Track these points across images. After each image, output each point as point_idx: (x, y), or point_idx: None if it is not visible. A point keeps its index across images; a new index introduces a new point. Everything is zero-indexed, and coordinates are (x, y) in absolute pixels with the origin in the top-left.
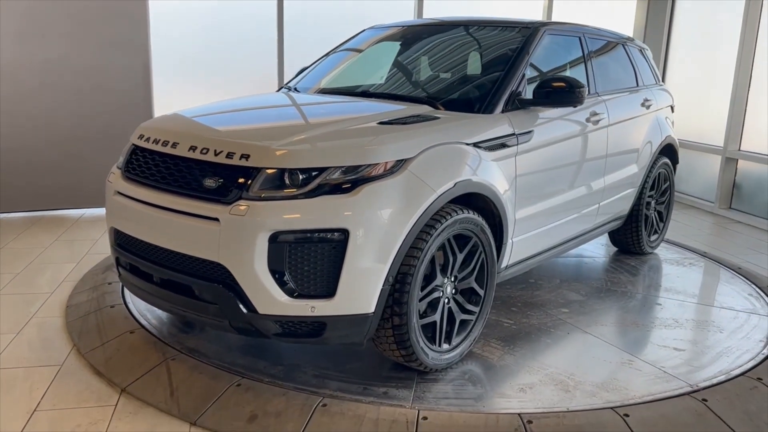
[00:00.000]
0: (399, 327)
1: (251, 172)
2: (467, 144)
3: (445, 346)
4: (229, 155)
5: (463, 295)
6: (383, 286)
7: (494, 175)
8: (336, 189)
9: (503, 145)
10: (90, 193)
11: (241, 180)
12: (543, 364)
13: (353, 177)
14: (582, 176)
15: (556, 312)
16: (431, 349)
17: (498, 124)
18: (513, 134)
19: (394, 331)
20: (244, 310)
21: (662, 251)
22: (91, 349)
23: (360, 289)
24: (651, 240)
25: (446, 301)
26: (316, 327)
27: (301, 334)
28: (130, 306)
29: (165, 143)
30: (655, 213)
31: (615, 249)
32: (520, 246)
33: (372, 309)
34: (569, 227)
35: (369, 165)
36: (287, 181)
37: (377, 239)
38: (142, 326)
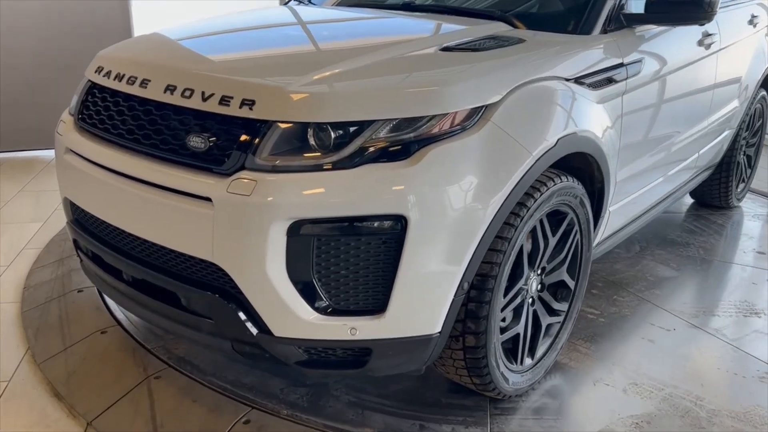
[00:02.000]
0: (474, 349)
1: (258, 128)
2: (566, 80)
3: (528, 361)
4: (224, 101)
5: (550, 291)
6: (455, 296)
7: (600, 123)
8: (385, 154)
9: (609, 81)
10: None
11: (242, 139)
12: (654, 380)
13: (411, 135)
14: (689, 118)
15: (649, 295)
16: (512, 370)
17: (603, 51)
18: (621, 64)
19: (466, 354)
20: (253, 330)
21: (747, 204)
22: (49, 356)
23: (422, 302)
24: (738, 191)
25: (530, 302)
26: (356, 354)
27: (334, 364)
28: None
29: (131, 80)
30: (744, 157)
31: (688, 201)
32: (615, 216)
33: (438, 328)
34: (667, 184)
35: (434, 116)
36: (313, 143)
37: (449, 229)
38: (118, 322)
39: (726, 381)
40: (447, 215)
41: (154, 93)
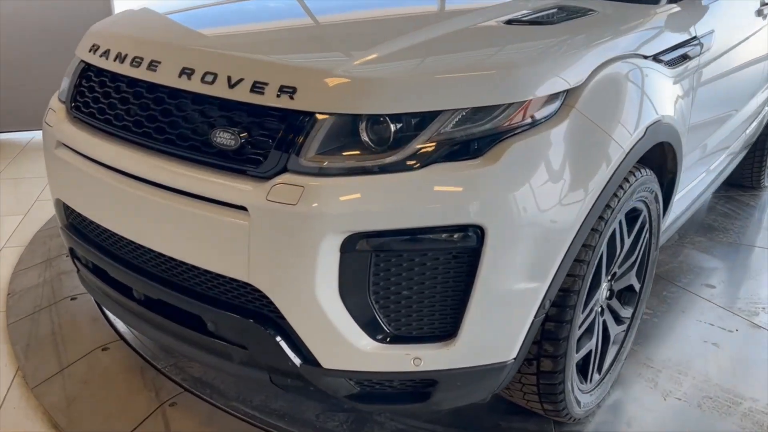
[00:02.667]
0: (550, 374)
1: (301, 121)
2: (646, 58)
3: (596, 377)
4: (257, 87)
5: (617, 297)
6: (535, 316)
7: (677, 107)
8: (455, 151)
9: (684, 57)
10: (40, 113)
11: (282, 135)
12: (729, 392)
13: (487, 128)
14: (744, 95)
15: (699, 289)
16: (583, 391)
17: (678, 23)
18: (695, 38)
19: (540, 380)
20: (296, 361)
21: None
22: (44, 379)
23: (499, 326)
24: None
25: (599, 310)
26: (418, 387)
27: (392, 398)
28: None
29: (136, 61)
30: None
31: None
32: (677, 205)
33: (514, 354)
34: (720, 166)
35: (511, 104)
36: (368, 139)
37: (533, 240)
38: (120, 336)
39: None
40: (531, 223)
41: (167, 78)
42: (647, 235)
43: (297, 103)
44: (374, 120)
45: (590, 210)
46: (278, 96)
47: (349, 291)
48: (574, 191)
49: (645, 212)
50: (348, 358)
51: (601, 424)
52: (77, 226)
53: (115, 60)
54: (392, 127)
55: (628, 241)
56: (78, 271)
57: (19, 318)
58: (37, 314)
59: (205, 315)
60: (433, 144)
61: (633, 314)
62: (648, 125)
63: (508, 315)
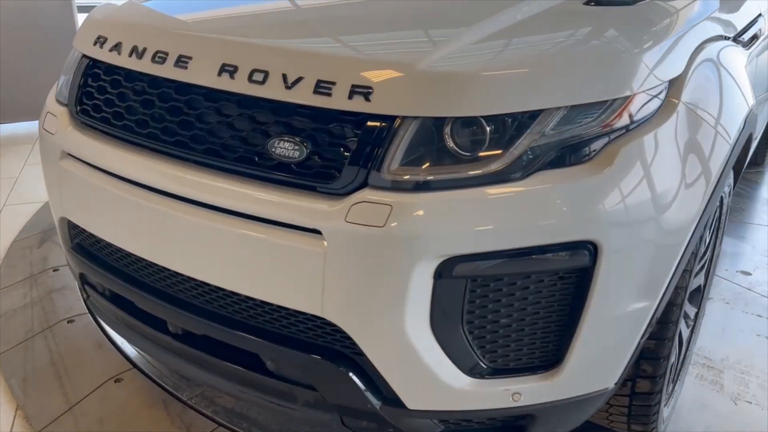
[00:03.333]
0: (646, 396)
1: (381, 127)
2: (730, 39)
3: (670, 387)
4: (322, 88)
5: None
6: (641, 337)
7: (752, 92)
8: (560, 158)
9: (754, 37)
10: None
11: (358, 144)
12: None
13: (594, 129)
14: None
15: (737, 278)
16: (665, 405)
17: None
18: (760, 15)
19: (633, 401)
20: (375, 403)
21: None
22: (51, 420)
23: (607, 352)
24: None
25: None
26: (511, 422)
27: None
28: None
29: (159, 57)
30: None
31: None
32: None
33: (615, 379)
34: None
35: (616, 100)
36: (461, 146)
37: (649, 254)
38: (133, 364)
39: None
40: (648, 234)
41: (202, 76)
42: (716, 231)
43: (374, 106)
44: (468, 123)
45: (702, 214)
46: (350, 98)
47: (441, 322)
48: (689, 195)
49: (722, 208)
50: (438, 397)
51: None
52: (89, 248)
53: (130, 55)
54: (488, 132)
55: (708, 240)
56: (87, 298)
57: (10, 346)
58: (31, 341)
59: (264, 353)
60: (536, 149)
61: (696, 314)
62: (745, 116)
63: (617, 338)
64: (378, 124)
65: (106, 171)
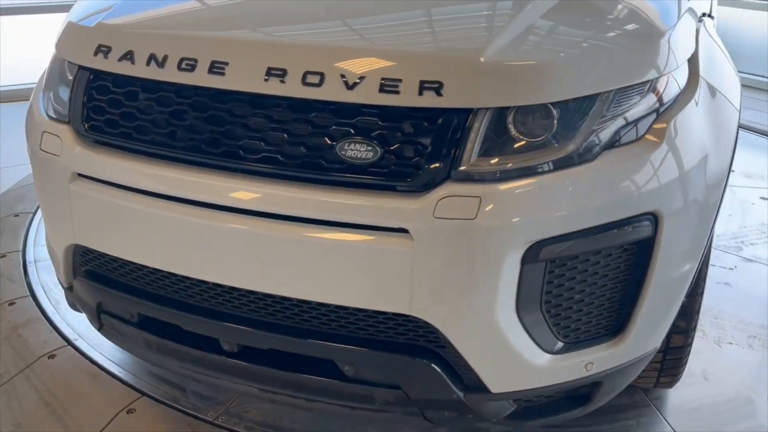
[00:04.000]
0: (679, 349)
1: (456, 121)
2: (708, 15)
3: None
4: (388, 86)
5: None
6: (685, 296)
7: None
8: (619, 137)
9: (710, 15)
10: None
11: (434, 140)
12: (764, 327)
13: (643, 106)
14: None
15: None
16: None
17: None
18: None
19: (667, 356)
20: (458, 392)
21: None
22: None
23: (663, 315)
24: None
25: None
26: (581, 393)
27: (550, 410)
28: (81, 344)
29: (187, 64)
30: None
31: None
32: None
33: (663, 338)
34: None
35: (659, 78)
36: (532, 132)
37: (697, 219)
38: (141, 392)
39: None
40: (697, 201)
41: (246, 82)
42: None
43: (447, 100)
44: (537, 110)
45: (729, 171)
46: (420, 94)
47: (525, 305)
48: (721, 155)
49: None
50: (520, 378)
51: (681, 383)
52: (107, 274)
53: (148, 64)
54: (556, 117)
55: None
56: (101, 327)
57: None
58: (10, 384)
59: (341, 358)
60: (598, 131)
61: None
62: (740, 84)
63: (670, 300)
64: (453, 117)
65: (134, 189)
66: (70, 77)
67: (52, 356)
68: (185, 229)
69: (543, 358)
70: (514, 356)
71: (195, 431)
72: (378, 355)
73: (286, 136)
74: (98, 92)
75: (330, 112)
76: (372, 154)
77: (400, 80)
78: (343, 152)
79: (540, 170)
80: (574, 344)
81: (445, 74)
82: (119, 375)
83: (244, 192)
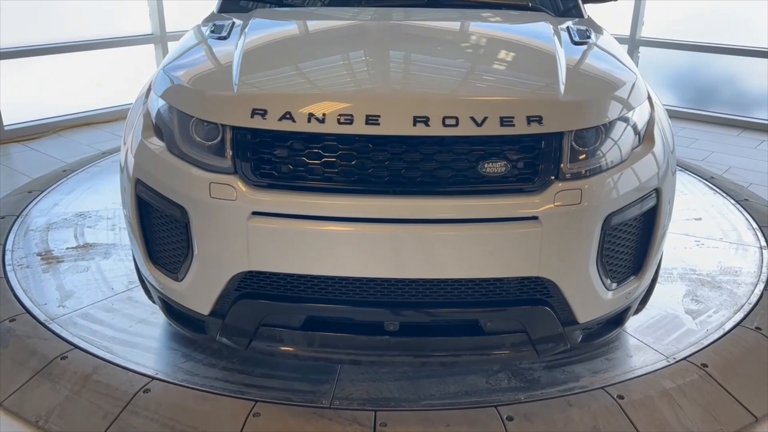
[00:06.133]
0: (653, 282)
1: (554, 141)
2: None
3: None
4: (506, 121)
5: None
6: None
7: None
8: (633, 143)
9: None
10: None
11: (542, 155)
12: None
13: (643, 121)
14: None
15: None
16: None
17: None
18: None
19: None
20: (560, 327)
21: None
22: None
23: (658, 256)
24: None
25: None
26: (619, 316)
27: (600, 332)
28: (164, 377)
29: (346, 119)
30: None
31: None
32: None
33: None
34: None
35: (645, 100)
36: (596, 144)
37: (672, 182)
38: (255, 400)
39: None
40: (672, 177)
41: (399, 128)
42: None
43: (547, 127)
44: (596, 129)
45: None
46: (528, 124)
47: (600, 258)
48: (672, 147)
49: None
50: (596, 310)
51: None
52: (272, 292)
53: (309, 121)
54: (604, 132)
55: None
56: (249, 345)
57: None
58: (121, 422)
59: (484, 317)
60: (627, 139)
61: None
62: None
63: (661, 246)
64: (552, 138)
65: (311, 217)
66: (225, 135)
67: (147, 390)
68: (362, 241)
69: (608, 294)
70: (594, 295)
71: (323, 417)
72: (511, 310)
73: (437, 164)
74: (263, 147)
75: (468, 143)
76: (504, 169)
77: (513, 117)
78: (483, 170)
79: (606, 168)
80: (620, 282)
81: (543, 110)
82: (222, 392)
83: (410, 207)
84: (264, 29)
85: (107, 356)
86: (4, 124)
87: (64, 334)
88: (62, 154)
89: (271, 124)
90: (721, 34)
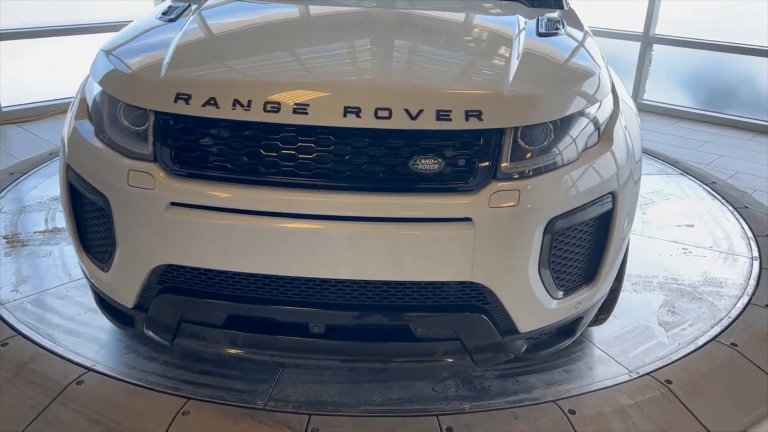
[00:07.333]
0: (615, 291)
1: (494, 138)
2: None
3: None
4: (443, 115)
5: None
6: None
7: None
8: (588, 143)
9: None
10: None
11: (480, 152)
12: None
13: (597, 121)
14: None
15: None
16: None
17: None
18: None
19: (607, 297)
20: (498, 336)
21: None
22: None
23: (615, 264)
24: None
25: None
26: (569, 326)
27: (549, 342)
28: (102, 369)
29: (272, 107)
30: None
31: None
32: None
33: (612, 282)
34: None
35: (603, 99)
36: (542, 142)
37: (633, 189)
38: (188, 397)
39: None
40: (632, 181)
41: (328, 118)
42: None
43: (487, 123)
44: (542, 127)
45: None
46: (467, 120)
47: (542, 265)
48: (637, 150)
49: None
50: (539, 319)
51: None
52: (193, 287)
53: (234, 107)
54: (553, 131)
55: None
56: (174, 340)
57: (22, 428)
58: (48, 413)
59: (415, 323)
60: (578, 139)
61: None
62: (631, 94)
63: (619, 253)
64: (492, 135)
65: (232, 209)
66: (142, 119)
67: (80, 382)
68: (284, 237)
69: (552, 303)
70: (535, 303)
71: (253, 419)
72: (443, 316)
73: (366, 158)
74: (185, 133)
75: (398, 137)
76: (437, 166)
77: (450, 111)
78: (415, 167)
79: (550, 169)
80: (568, 290)
81: (483, 106)
82: (156, 387)
83: (334, 203)
84: (214, 13)
85: (48, 344)
86: (2, 105)
87: (10, 319)
88: (57, 137)
89: (195, 110)
90: (728, 31)
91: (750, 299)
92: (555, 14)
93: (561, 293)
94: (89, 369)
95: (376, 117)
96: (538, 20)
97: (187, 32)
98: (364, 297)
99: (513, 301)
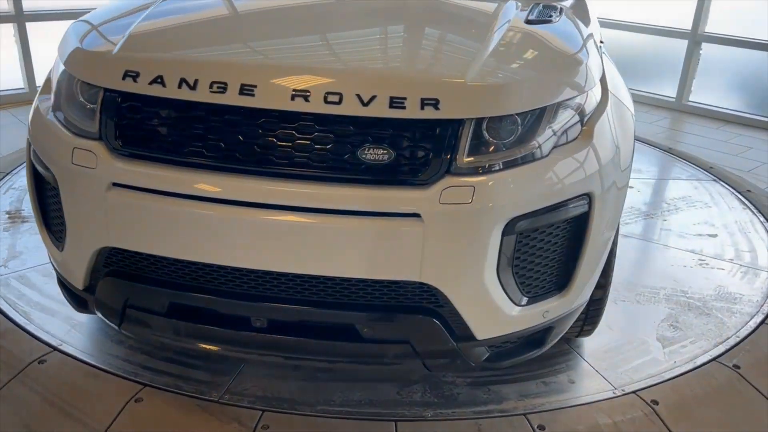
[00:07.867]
0: (599, 301)
1: (450, 129)
2: (601, 43)
3: None
4: (396, 103)
5: None
6: (606, 257)
7: None
8: (563, 138)
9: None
10: None
11: (435, 144)
12: (647, 287)
13: (576, 115)
14: None
15: None
16: None
17: None
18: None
19: (590, 307)
20: (452, 342)
21: None
22: None
23: (595, 270)
24: None
25: None
26: (538, 336)
27: (515, 352)
28: (67, 348)
29: (218, 87)
30: None
31: None
32: None
33: (590, 293)
34: None
35: (583, 93)
36: (504, 136)
37: (615, 194)
38: (144, 384)
39: None
40: (615, 184)
41: (274, 101)
42: None
43: (443, 113)
44: (507, 119)
45: (631, 162)
46: (422, 108)
47: (502, 268)
48: (627, 149)
49: None
50: (498, 326)
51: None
52: (137, 272)
53: (180, 86)
54: (520, 124)
55: None
56: (121, 324)
57: None
58: (6, 390)
59: (361, 322)
60: (549, 134)
61: None
62: (628, 89)
63: (597, 261)
64: (449, 126)
65: (173, 193)
66: (96, 97)
67: (42, 361)
68: (225, 225)
69: (514, 310)
70: (494, 309)
71: (205, 411)
72: (391, 317)
73: (314, 145)
74: (130, 111)
75: (347, 124)
76: (387, 157)
77: (405, 98)
78: (364, 156)
79: (513, 164)
80: (534, 297)
81: (440, 94)
82: (116, 371)
83: (278, 191)
84: None
85: (21, 321)
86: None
87: None
88: None
89: (142, 87)
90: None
91: (765, 319)
92: (558, 3)
93: (525, 300)
94: (54, 348)
95: (326, 102)
96: (532, 8)
97: (150, 15)
98: (308, 292)
99: (468, 305)
